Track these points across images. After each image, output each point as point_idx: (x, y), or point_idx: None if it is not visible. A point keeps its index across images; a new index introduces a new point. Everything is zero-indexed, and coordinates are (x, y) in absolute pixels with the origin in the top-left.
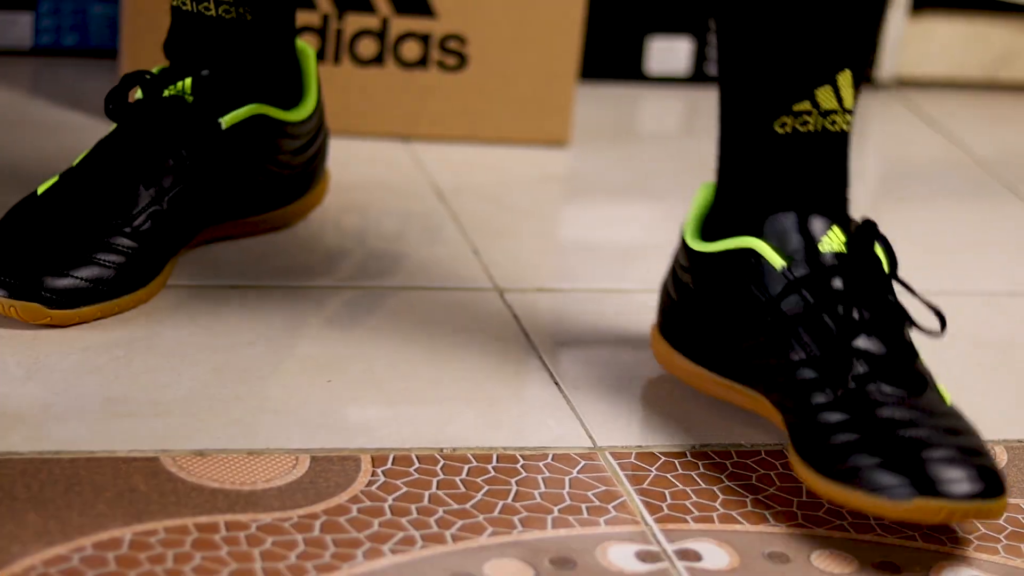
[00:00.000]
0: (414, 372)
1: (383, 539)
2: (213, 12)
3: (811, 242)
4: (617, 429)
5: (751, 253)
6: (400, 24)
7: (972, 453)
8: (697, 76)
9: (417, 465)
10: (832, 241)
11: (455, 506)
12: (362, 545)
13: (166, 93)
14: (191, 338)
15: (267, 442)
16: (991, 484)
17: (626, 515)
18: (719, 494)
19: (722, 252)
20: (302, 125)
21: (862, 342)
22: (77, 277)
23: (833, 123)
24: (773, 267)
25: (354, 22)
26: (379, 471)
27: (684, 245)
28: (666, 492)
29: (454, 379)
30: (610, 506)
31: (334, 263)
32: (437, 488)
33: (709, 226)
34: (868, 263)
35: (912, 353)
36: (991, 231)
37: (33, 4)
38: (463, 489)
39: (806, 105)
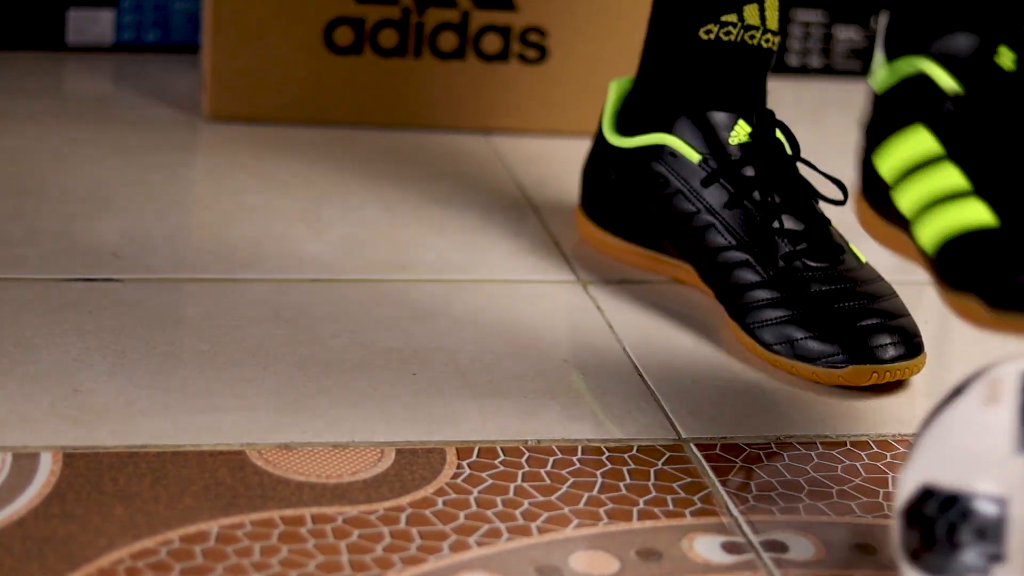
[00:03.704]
0: (498, 364)
1: (469, 531)
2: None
3: (721, 135)
4: (702, 420)
5: (668, 148)
6: (480, 17)
7: (894, 316)
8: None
9: (502, 457)
10: (739, 134)
11: (540, 498)
12: (448, 537)
13: None
14: (275, 332)
15: (352, 435)
16: (911, 346)
17: (711, 507)
18: (805, 485)
19: (641, 147)
20: None
21: (782, 222)
22: None
23: (752, 37)
24: (690, 161)
25: (434, 16)
26: (464, 463)
27: (603, 139)
28: (751, 483)
29: (538, 371)
30: (695, 498)
31: (416, 256)
32: (522, 480)
33: (625, 120)
34: (772, 149)
35: (825, 222)
36: None
37: (115, 1)
38: (548, 481)
39: (732, 17)
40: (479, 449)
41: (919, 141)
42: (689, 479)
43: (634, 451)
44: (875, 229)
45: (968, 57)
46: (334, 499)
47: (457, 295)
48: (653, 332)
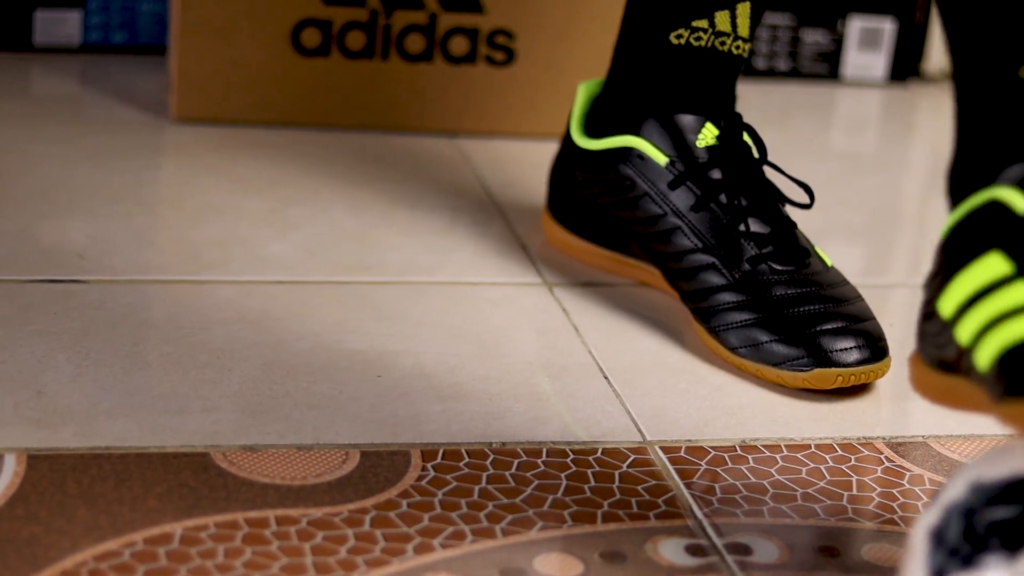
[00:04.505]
0: (463, 367)
1: (433, 533)
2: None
3: (688, 138)
4: (667, 423)
5: (636, 151)
6: (448, 19)
7: (859, 320)
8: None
9: (467, 460)
10: (706, 137)
11: (505, 501)
12: (412, 540)
13: None
14: (240, 334)
15: (317, 437)
16: (876, 350)
17: (676, 509)
18: (769, 488)
19: (608, 149)
20: None
21: (749, 225)
22: None
23: (723, 43)
24: (657, 163)
25: (402, 18)
26: (429, 466)
27: (571, 141)
28: (716, 486)
29: (503, 374)
30: (660, 500)
31: (382, 258)
32: (487, 483)
33: (593, 122)
34: (739, 152)
35: (791, 225)
36: None
37: (82, 2)
38: (513, 484)
39: (703, 23)
40: (444, 451)
41: (990, 267)
42: (654, 482)
43: (599, 453)
44: (927, 386)
45: None
46: (298, 501)
47: (423, 297)
48: (618, 335)
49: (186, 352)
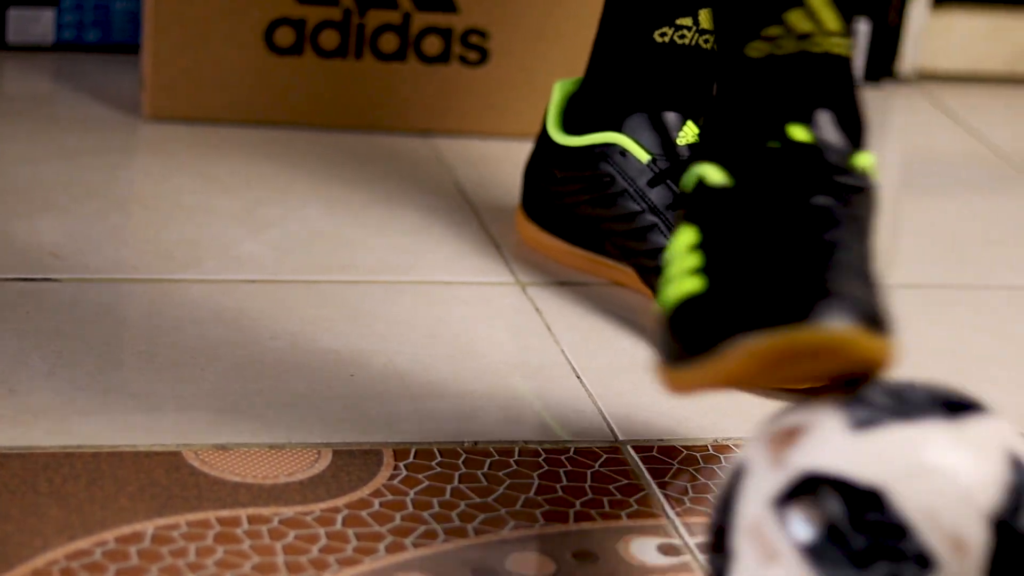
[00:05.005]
0: (436, 366)
1: (405, 533)
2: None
3: (669, 136)
4: (639, 423)
5: (617, 147)
6: (422, 19)
7: None
8: None
9: (439, 459)
10: (687, 135)
11: (477, 500)
12: (384, 539)
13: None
14: (213, 333)
15: (289, 436)
16: None
17: (648, 508)
18: None
19: (590, 146)
20: None
21: None
22: None
23: (707, 41)
24: (639, 160)
25: (376, 17)
26: (401, 465)
27: (548, 138)
28: (688, 485)
29: (476, 373)
30: (632, 499)
31: (356, 257)
32: (459, 482)
33: (571, 120)
34: None
35: None
36: (1014, 225)
37: (56, 0)
38: (485, 483)
39: (687, 21)
40: (416, 450)
41: (686, 236)
42: (626, 481)
43: (571, 453)
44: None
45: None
46: (270, 500)
47: (396, 296)
48: (591, 334)
49: (159, 351)
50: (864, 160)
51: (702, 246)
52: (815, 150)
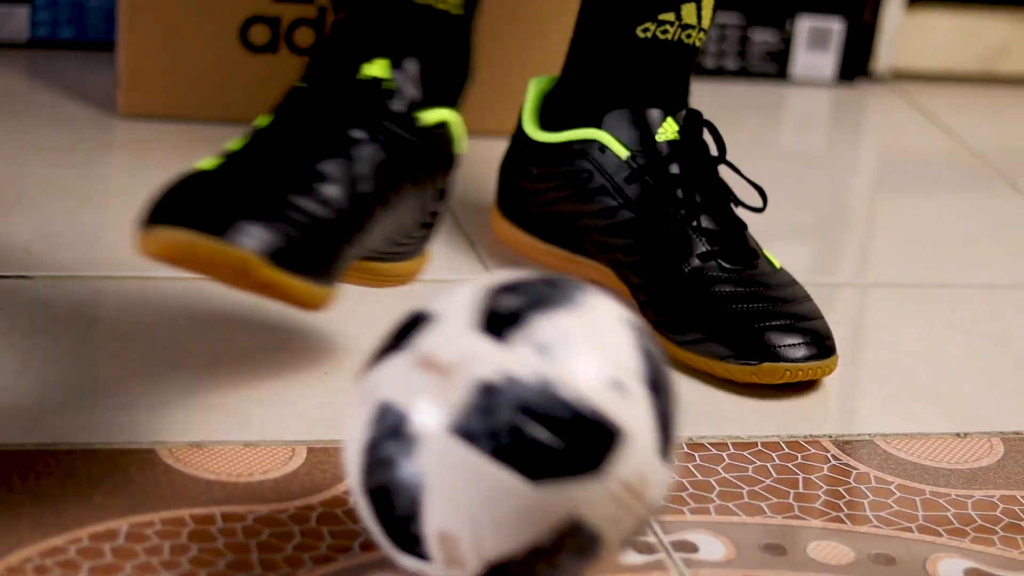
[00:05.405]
0: None
1: None
2: None
3: (649, 133)
4: None
5: (596, 143)
6: None
7: (806, 319)
8: None
9: None
10: (666, 131)
11: None
12: (358, 536)
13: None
14: (188, 330)
15: (263, 434)
16: (823, 348)
17: None
18: (715, 486)
19: (568, 142)
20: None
21: (701, 221)
22: None
23: (688, 36)
24: (618, 156)
25: None
26: None
27: (524, 135)
28: None
29: None
30: None
31: None
32: None
33: (549, 116)
34: (698, 148)
35: (741, 226)
36: (988, 223)
37: None
38: None
39: (670, 16)
40: None
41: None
42: None
43: None
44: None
45: None
46: (245, 498)
47: (370, 294)
48: None
49: (133, 349)
50: (432, 116)
51: (256, 133)
52: (376, 87)
